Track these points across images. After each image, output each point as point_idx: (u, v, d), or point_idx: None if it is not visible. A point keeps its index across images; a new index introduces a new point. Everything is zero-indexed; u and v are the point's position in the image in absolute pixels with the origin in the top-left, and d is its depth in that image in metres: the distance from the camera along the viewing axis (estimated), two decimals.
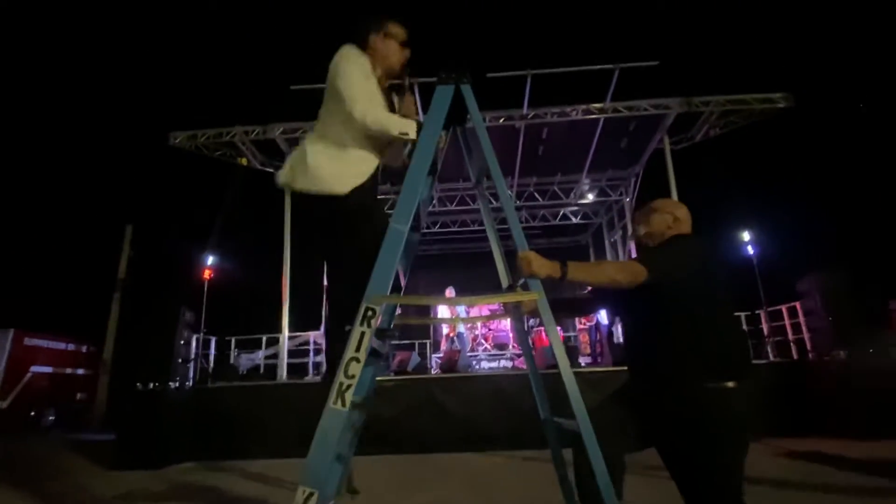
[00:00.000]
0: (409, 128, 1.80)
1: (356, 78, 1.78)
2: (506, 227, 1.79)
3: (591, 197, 10.12)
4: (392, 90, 2.07)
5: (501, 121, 7.80)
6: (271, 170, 8.75)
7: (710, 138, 8.19)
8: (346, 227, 1.82)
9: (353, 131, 1.83)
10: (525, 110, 7.66)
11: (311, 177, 1.81)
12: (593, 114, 7.69)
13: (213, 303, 8.17)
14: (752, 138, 9.02)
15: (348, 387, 1.46)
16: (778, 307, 7.50)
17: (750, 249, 8.12)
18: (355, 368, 1.48)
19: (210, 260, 8.75)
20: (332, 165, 1.82)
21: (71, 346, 12.03)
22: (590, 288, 1.86)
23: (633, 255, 8.58)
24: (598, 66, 6.96)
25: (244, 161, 8.24)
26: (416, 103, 2.09)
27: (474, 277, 8.63)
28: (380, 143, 1.93)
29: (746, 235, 8.26)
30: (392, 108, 2.01)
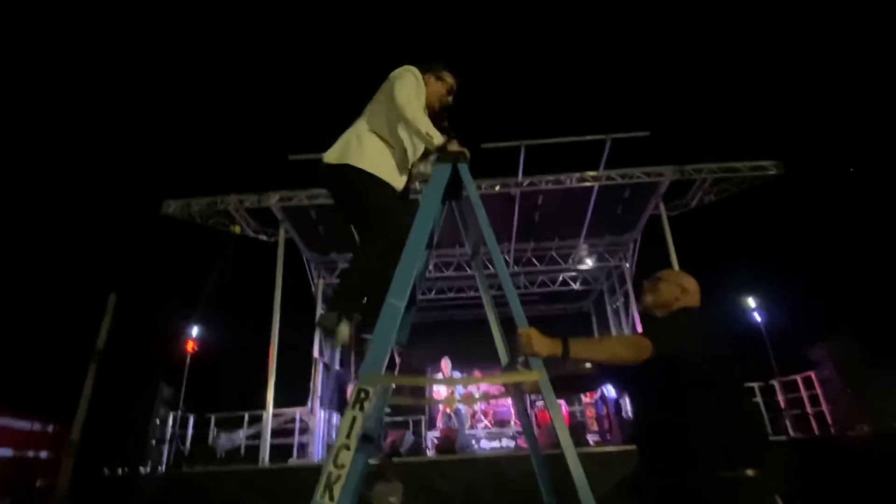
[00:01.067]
0: (436, 135, 1.96)
1: (411, 85, 2.04)
2: (503, 293, 1.81)
3: (590, 262, 10.23)
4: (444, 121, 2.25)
5: (497, 188, 8.05)
6: (264, 237, 8.87)
7: (706, 204, 8.48)
8: (373, 215, 1.97)
9: (395, 140, 2.08)
10: (520, 178, 7.94)
11: (367, 157, 2.01)
12: (587, 182, 7.99)
13: (195, 377, 7.92)
14: (750, 203, 9.27)
15: (338, 478, 1.37)
16: (792, 377, 7.36)
17: (757, 316, 8.10)
18: (345, 457, 1.41)
19: (195, 331, 8.60)
20: (381, 158, 2.04)
21: (36, 426, 11.36)
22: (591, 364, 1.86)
23: (638, 323, 8.45)
24: (591, 137, 7.34)
25: (237, 229, 8.36)
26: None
27: (472, 346, 8.48)
28: (408, 161, 2.13)
29: (752, 302, 8.28)
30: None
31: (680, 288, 1.84)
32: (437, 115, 2.20)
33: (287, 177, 8.14)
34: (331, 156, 2.08)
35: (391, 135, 2.08)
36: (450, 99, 2.21)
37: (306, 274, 9.59)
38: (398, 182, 2.10)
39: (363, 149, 2.04)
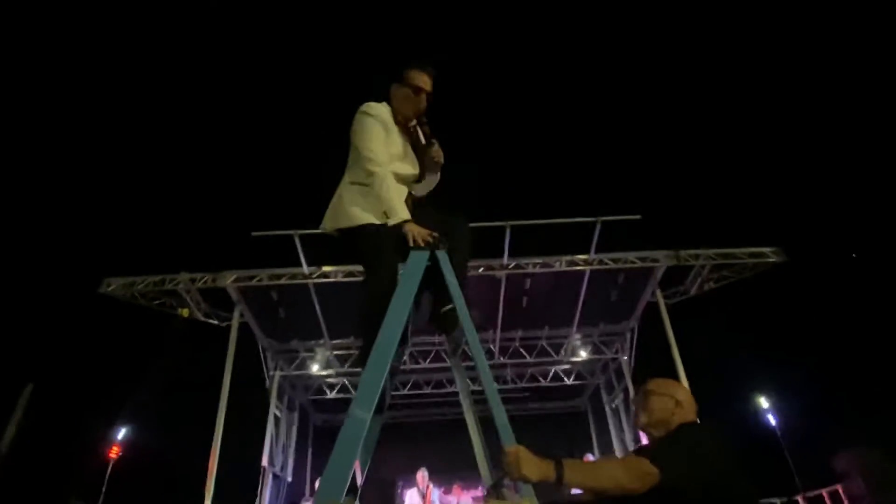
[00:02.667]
0: (393, 215, 2.10)
1: (367, 136, 2.17)
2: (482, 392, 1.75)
3: (584, 354, 10.17)
4: (422, 126, 2.35)
5: (481, 270, 8.13)
6: (216, 321, 8.66)
7: (706, 292, 8.68)
8: (363, 259, 2.15)
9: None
10: (506, 260, 8.06)
11: (344, 215, 2.19)
12: (578, 265, 8.17)
13: (117, 490, 7.29)
14: (754, 289, 9.48)
15: None
16: (817, 491, 7.14)
17: (771, 419, 7.99)
18: None
19: (121, 433, 8.04)
20: (361, 201, 2.19)
21: None
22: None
23: (640, 432, 8.20)
24: (580, 220, 7.61)
25: (185, 312, 8.21)
26: (440, 152, 2.33)
27: (453, 452, 8.03)
28: (404, 177, 2.28)
29: (764, 402, 8.21)
30: (415, 148, 2.31)
31: (673, 401, 1.85)
32: (418, 121, 2.31)
33: (247, 255, 8.16)
34: (324, 225, 2.31)
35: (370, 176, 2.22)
36: (421, 98, 2.27)
37: (261, 364, 9.25)
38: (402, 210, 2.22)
39: (343, 205, 2.22)
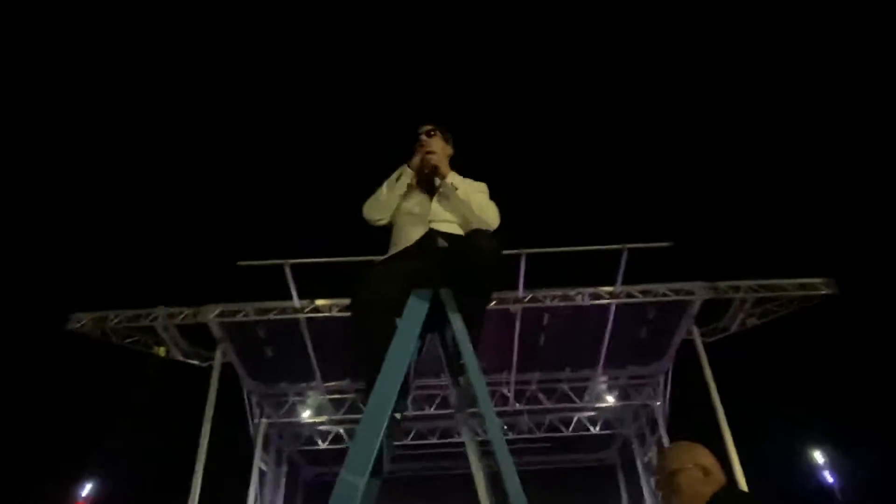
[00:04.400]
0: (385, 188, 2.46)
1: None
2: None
3: (610, 399, 10.05)
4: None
5: (493, 304, 8.12)
6: (196, 362, 8.68)
7: (749, 329, 8.60)
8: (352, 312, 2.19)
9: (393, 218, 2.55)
10: (521, 293, 8.06)
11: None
12: (603, 299, 8.14)
13: None
14: (804, 327, 9.39)
15: None
16: None
17: (828, 477, 7.80)
18: None
19: (87, 489, 8.00)
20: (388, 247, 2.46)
21: None
22: None
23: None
24: (604, 247, 7.63)
25: (162, 351, 8.23)
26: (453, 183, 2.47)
27: None
28: (406, 233, 2.42)
29: (820, 457, 8.03)
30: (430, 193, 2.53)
31: (700, 469, 1.83)
32: (431, 178, 2.54)
33: (231, 287, 8.25)
34: None
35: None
36: (420, 154, 2.52)
37: (245, 410, 9.20)
38: (404, 240, 2.38)
39: None
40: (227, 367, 8.54)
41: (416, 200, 2.49)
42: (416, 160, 2.49)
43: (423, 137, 2.55)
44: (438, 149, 2.54)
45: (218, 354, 8.33)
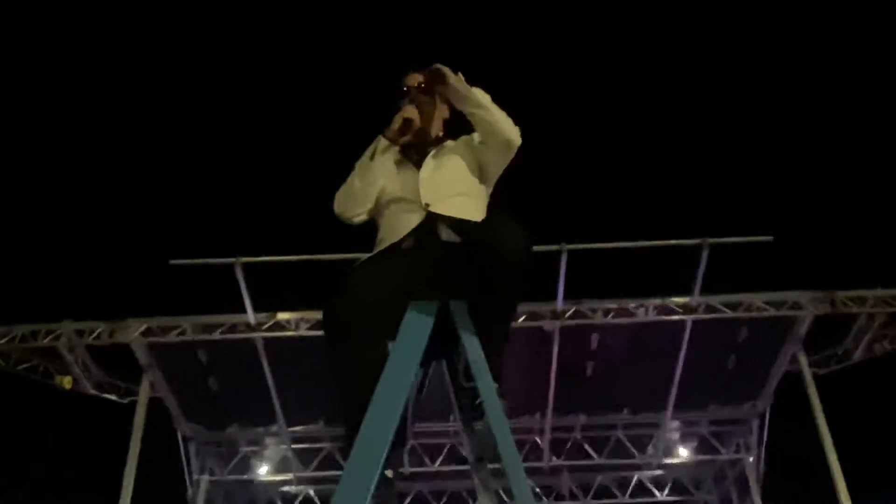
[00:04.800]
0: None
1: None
2: None
3: (684, 453, 10.03)
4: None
5: (522, 320, 8.08)
6: (114, 396, 8.71)
7: (878, 356, 8.55)
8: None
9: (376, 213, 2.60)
10: (560, 304, 8.02)
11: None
12: (675, 314, 8.09)
13: None
14: None
15: None
16: None
17: None
18: None
19: None
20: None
21: None
22: None
23: None
24: (676, 242, 7.58)
25: (67, 382, 8.22)
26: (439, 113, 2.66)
27: None
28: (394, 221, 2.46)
29: None
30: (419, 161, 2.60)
31: None
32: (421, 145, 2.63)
33: (162, 295, 8.24)
34: None
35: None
36: (400, 115, 2.54)
37: (180, 463, 9.26)
38: (393, 232, 2.41)
39: None
40: (156, 405, 8.54)
41: (404, 179, 2.51)
42: (393, 129, 2.50)
43: (404, 102, 2.57)
44: (426, 112, 2.60)
45: (143, 387, 8.33)
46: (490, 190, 2.67)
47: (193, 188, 11.06)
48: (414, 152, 2.57)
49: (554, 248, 7.54)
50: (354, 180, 2.49)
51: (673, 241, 7.68)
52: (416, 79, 2.59)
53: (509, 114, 2.45)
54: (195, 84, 11.16)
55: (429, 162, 2.51)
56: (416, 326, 2.02)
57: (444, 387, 2.50)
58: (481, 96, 2.44)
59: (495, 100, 2.46)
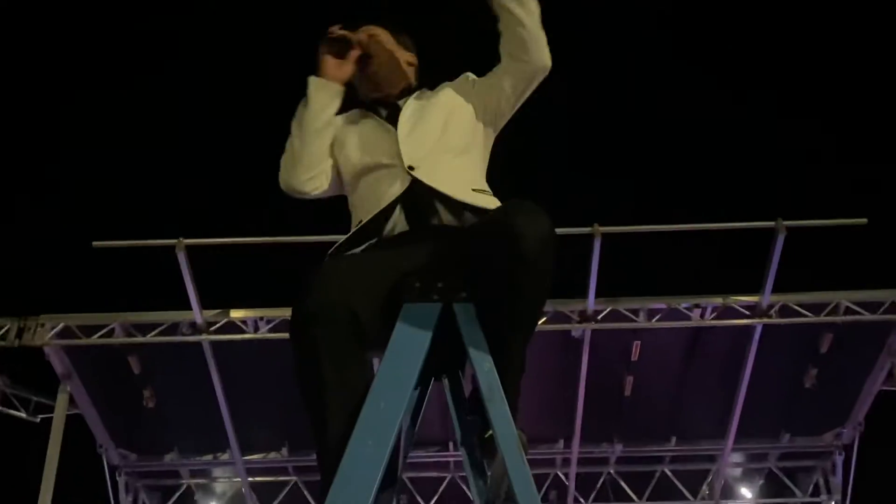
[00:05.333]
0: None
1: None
2: None
3: (747, 495, 10.06)
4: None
5: (543, 323, 8.02)
6: (22, 413, 8.72)
7: None
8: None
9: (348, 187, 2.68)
10: (591, 303, 7.99)
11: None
12: (739, 316, 8.06)
13: None
14: None
15: None
16: None
17: None
18: None
19: None
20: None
21: None
22: None
23: None
24: (740, 225, 7.69)
25: None
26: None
27: None
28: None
29: None
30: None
31: None
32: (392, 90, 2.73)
33: (84, 286, 8.21)
34: None
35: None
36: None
37: (107, 496, 9.31)
38: (370, 206, 2.45)
39: None
40: (76, 424, 8.58)
41: (377, 140, 2.54)
42: (329, 64, 2.58)
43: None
44: (380, 52, 2.67)
45: (60, 402, 8.33)
46: (489, 146, 2.71)
47: (123, 153, 11.02)
48: (382, 108, 2.63)
49: (584, 230, 7.52)
50: (293, 140, 2.54)
51: (737, 224, 7.72)
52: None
53: None
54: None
55: (406, 114, 2.54)
56: (410, 336, 2.00)
57: (444, 413, 2.50)
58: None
59: None
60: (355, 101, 2.73)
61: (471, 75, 2.71)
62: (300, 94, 2.57)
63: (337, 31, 2.54)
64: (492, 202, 2.35)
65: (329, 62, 2.54)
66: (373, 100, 2.67)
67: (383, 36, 2.69)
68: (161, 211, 10.20)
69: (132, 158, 10.88)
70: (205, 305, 7.94)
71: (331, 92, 2.53)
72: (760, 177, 11.27)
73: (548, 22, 2.42)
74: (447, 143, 2.46)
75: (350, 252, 2.31)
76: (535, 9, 2.41)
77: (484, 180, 2.54)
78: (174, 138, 10.79)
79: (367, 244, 2.31)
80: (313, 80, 2.52)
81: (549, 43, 2.44)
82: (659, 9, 10.96)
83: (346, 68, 2.56)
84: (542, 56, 2.46)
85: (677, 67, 11.81)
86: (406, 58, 2.75)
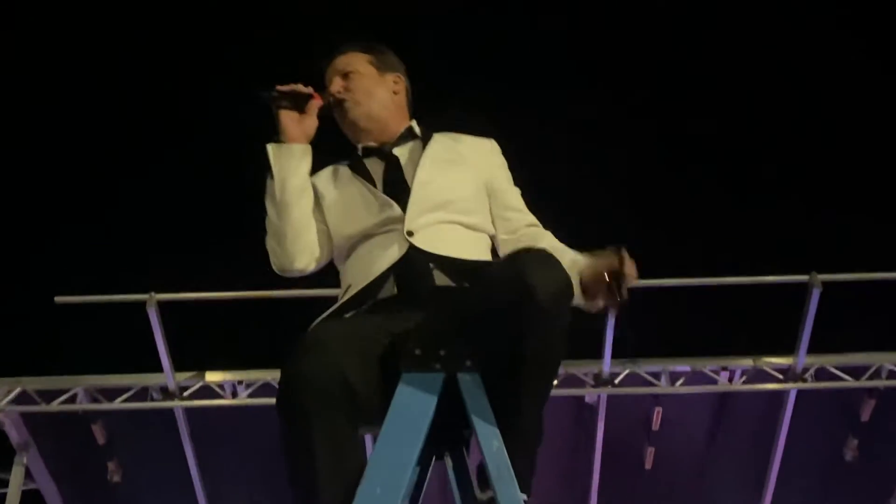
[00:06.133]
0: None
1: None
2: None
3: None
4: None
5: (554, 386, 8.01)
6: None
7: None
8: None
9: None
10: (607, 365, 7.97)
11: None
12: (771, 380, 8.05)
13: None
14: None
15: None
16: None
17: None
18: None
19: None
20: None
21: None
22: None
23: None
24: (772, 278, 7.72)
25: None
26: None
27: None
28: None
29: None
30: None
31: None
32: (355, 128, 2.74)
33: (43, 346, 8.33)
34: None
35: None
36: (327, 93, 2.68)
37: None
38: (364, 273, 2.46)
39: None
40: (33, 501, 8.58)
41: (367, 200, 2.55)
42: (287, 123, 2.54)
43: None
44: (358, 88, 2.69)
45: (15, 474, 8.29)
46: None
47: (90, 202, 11.05)
48: (376, 156, 2.64)
49: None
50: (269, 217, 2.52)
51: (768, 278, 7.71)
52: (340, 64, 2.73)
53: None
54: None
55: (405, 165, 2.57)
56: (410, 411, 1.99)
57: (441, 484, 2.54)
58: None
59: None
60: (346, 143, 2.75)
61: (497, 152, 2.75)
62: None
63: (286, 88, 2.49)
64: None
65: (287, 121, 2.50)
66: (364, 148, 2.67)
67: (358, 66, 2.69)
68: (131, 263, 10.11)
69: (99, 203, 10.86)
70: (178, 367, 7.90)
71: (295, 156, 2.49)
72: (792, 227, 11.22)
73: None
74: (452, 202, 2.47)
75: (340, 316, 2.32)
76: None
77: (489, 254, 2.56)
78: (144, 181, 10.81)
79: (360, 308, 2.32)
80: (272, 148, 2.47)
81: None
82: None
83: (309, 123, 2.54)
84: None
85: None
86: (390, 86, 2.75)
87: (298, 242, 2.48)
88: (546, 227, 2.64)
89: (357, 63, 2.69)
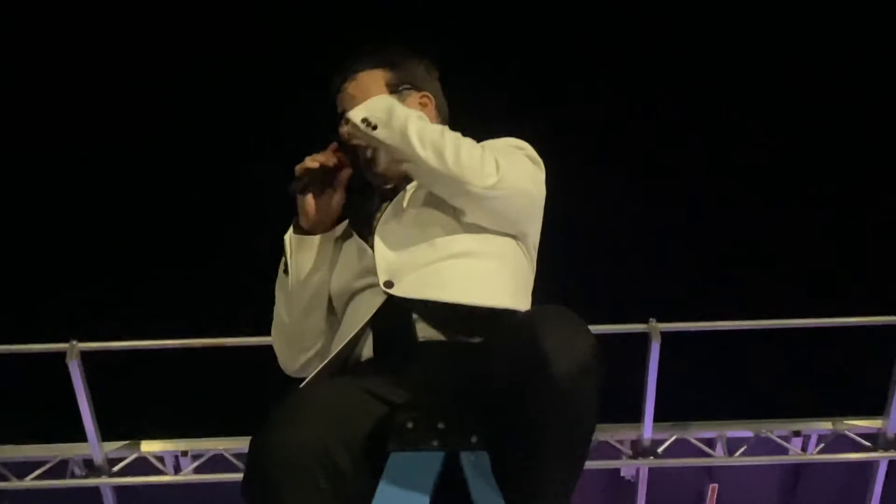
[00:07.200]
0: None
1: None
2: None
3: None
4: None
5: None
6: None
7: None
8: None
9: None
10: (648, 430, 7.75)
11: None
12: (856, 448, 7.77)
13: None
14: None
15: None
16: None
17: None
18: None
19: None
20: None
21: None
22: None
23: None
24: (853, 320, 7.49)
25: None
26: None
27: None
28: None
29: None
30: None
31: None
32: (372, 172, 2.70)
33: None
34: None
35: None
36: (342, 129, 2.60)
37: None
38: (341, 337, 2.47)
39: None
40: None
41: (360, 254, 2.59)
42: (309, 208, 2.53)
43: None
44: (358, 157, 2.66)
45: None
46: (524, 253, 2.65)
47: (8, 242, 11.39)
48: (389, 196, 2.65)
49: (638, 328, 7.42)
50: (280, 311, 2.61)
51: (851, 319, 7.50)
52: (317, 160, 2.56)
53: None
54: None
55: (387, 217, 2.58)
56: (401, 498, 1.95)
57: None
58: (414, 128, 2.37)
59: None
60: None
61: (507, 141, 2.67)
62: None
63: (308, 164, 2.41)
64: (506, 300, 2.35)
65: (308, 207, 2.48)
66: (382, 192, 2.66)
67: (372, 91, 2.60)
68: (49, 309, 10.11)
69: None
70: (106, 436, 7.75)
71: (315, 247, 2.54)
72: (881, 262, 11.25)
73: None
74: (441, 246, 2.43)
75: (318, 380, 2.32)
76: (425, 151, 2.34)
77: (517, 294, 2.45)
78: (62, 213, 10.97)
79: (342, 373, 2.34)
80: (290, 240, 2.52)
81: None
82: None
83: (337, 199, 2.57)
84: (469, 191, 2.34)
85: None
86: (414, 98, 2.69)
87: (310, 350, 2.60)
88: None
89: (371, 87, 2.63)
